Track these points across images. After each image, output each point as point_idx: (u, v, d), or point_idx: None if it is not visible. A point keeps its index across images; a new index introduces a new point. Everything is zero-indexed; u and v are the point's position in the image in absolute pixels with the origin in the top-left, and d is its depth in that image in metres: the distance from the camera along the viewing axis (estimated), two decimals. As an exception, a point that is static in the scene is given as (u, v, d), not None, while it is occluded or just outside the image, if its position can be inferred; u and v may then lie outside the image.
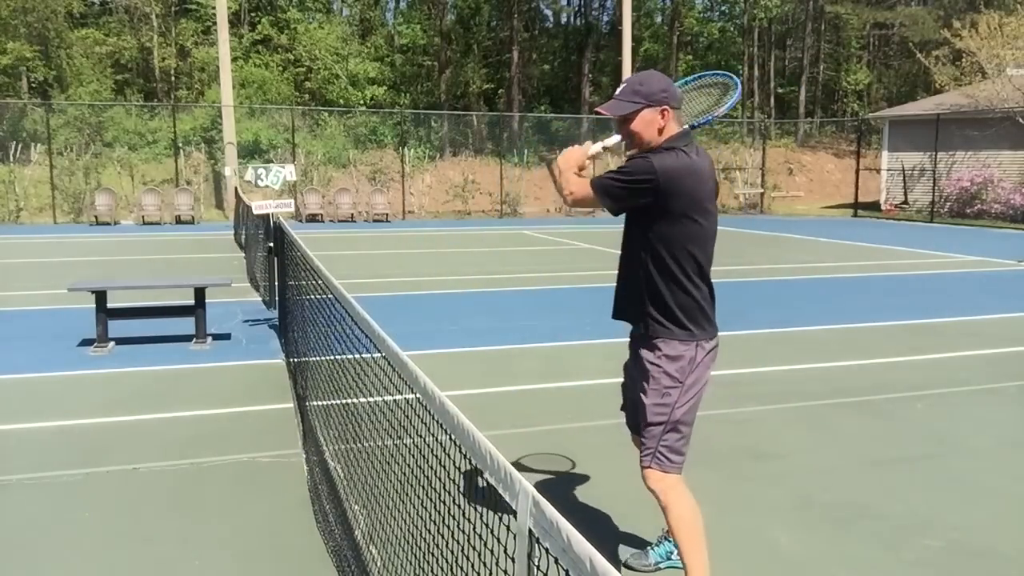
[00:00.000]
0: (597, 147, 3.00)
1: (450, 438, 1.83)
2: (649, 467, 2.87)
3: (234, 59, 27.74)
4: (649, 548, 3.35)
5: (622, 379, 3.17)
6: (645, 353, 2.90)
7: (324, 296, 3.81)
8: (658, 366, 2.85)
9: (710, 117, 3.05)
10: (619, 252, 3.02)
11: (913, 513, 3.86)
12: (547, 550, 1.30)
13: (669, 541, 3.28)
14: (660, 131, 2.86)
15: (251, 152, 25.44)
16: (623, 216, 2.97)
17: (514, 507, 1.43)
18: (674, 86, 2.95)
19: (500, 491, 1.50)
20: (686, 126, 2.96)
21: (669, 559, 3.29)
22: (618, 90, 2.92)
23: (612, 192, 2.83)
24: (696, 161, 2.83)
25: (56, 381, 6.14)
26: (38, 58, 29.34)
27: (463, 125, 31.71)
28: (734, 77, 3.10)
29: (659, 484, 2.86)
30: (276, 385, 5.96)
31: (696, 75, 3.23)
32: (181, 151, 24.58)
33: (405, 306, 9.47)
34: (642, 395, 2.89)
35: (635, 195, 2.81)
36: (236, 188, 18.38)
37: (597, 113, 2.94)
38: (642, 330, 2.92)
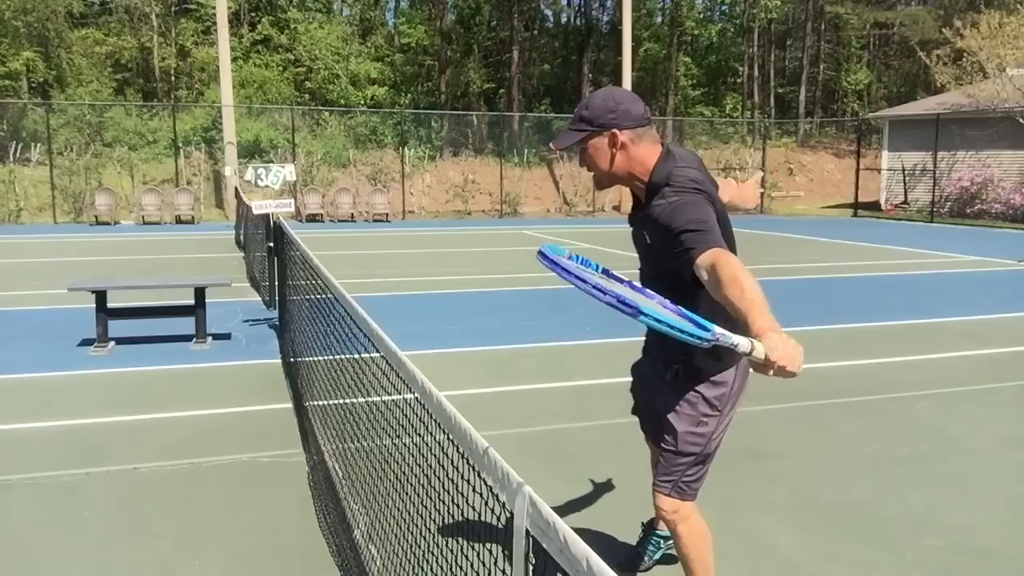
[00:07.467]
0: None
1: (448, 438, 1.83)
2: (668, 495, 2.66)
3: (234, 59, 27.74)
4: (637, 549, 3.28)
5: (629, 379, 2.98)
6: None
7: (324, 296, 3.81)
8: (697, 391, 2.59)
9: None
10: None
11: (913, 513, 3.86)
12: (544, 550, 1.30)
13: (655, 533, 3.24)
14: (612, 160, 2.49)
15: (251, 152, 25.43)
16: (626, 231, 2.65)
17: (511, 507, 1.43)
18: (632, 101, 2.50)
19: (497, 491, 1.50)
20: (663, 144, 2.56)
21: (659, 548, 3.24)
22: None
23: (717, 240, 2.31)
24: (701, 172, 2.53)
25: (56, 381, 6.14)
26: (38, 58, 29.35)
27: (463, 125, 31.69)
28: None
29: (675, 514, 2.67)
30: (276, 385, 5.96)
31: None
32: (181, 151, 24.58)
33: (405, 306, 9.47)
34: (671, 417, 2.62)
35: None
36: (236, 188, 18.39)
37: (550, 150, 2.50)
38: (683, 369, 2.61)
